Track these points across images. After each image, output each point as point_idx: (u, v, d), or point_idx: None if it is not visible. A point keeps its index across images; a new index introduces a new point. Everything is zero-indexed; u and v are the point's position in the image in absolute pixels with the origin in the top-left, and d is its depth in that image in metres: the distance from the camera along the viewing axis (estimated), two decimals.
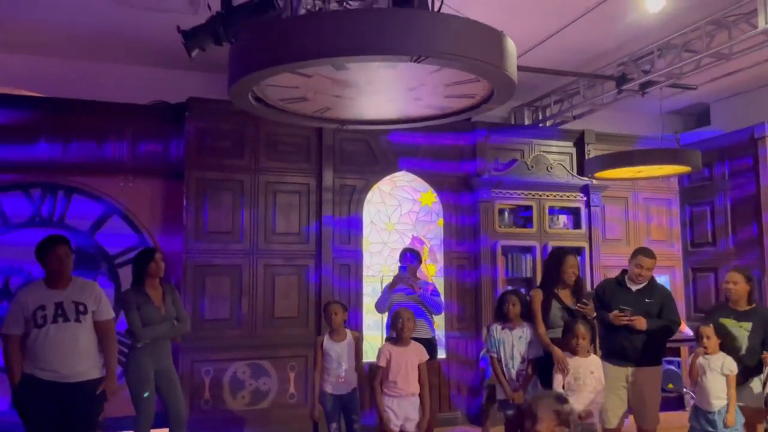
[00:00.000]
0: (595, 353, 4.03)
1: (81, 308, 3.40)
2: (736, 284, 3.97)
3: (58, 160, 5.15)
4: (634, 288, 4.08)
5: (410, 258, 5.07)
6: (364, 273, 5.70)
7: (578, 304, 4.02)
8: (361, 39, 2.38)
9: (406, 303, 4.78)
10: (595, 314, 3.94)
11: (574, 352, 3.81)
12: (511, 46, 2.63)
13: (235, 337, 5.23)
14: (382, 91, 3.03)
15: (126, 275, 4.61)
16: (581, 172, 6.25)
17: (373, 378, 3.86)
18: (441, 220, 6.02)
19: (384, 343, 4.21)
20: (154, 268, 4.02)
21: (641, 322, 3.90)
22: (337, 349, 4.03)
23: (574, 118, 6.53)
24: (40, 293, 3.37)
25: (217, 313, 5.22)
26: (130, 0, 4.42)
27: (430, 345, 4.82)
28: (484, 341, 4.98)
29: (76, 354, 3.36)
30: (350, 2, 3.25)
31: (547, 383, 3.88)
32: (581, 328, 3.79)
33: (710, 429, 3.73)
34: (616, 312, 3.94)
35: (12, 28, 4.95)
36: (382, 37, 2.37)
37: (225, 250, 5.28)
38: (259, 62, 2.55)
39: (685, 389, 5.98)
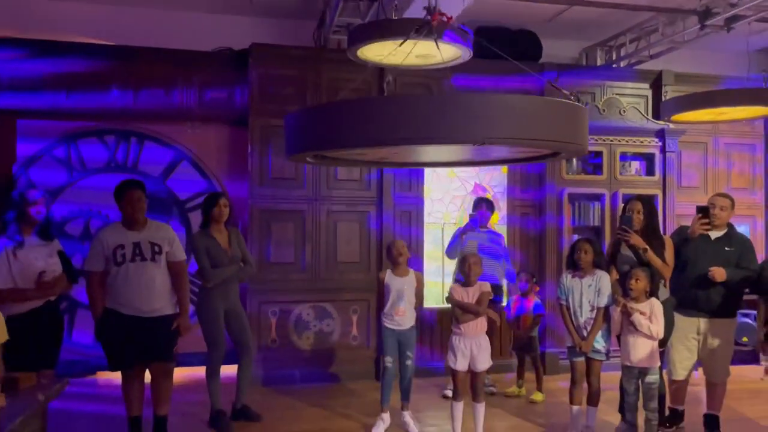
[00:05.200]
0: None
1: (156, 249, 3.57)
2: None
3: (130, 108, 5.30)
4: (712, 236, 3.90)
5: (487, 207, 5.05)
6: (425, 220, 5.69)
7: (617, 230, 3.89)
8: (421, 128, 2.37)
9: (485, 245, 4.91)
10: (646, 248, 3.77)
11: (627, 295, 3.71)
12: (581, 115, 2.54)
13: (299, 281, 5.37)
14: (442, 148, 3.06)
15: (196, 219, 4.78)
16: (657, 116, 5.91)
17: (458, 306, 3.84)
18: (505, 168, 5.88)
19: (452, 285, 4.22)
20: (217, 213, 4.12)
21: (720, 273, 3.73)
22: (399, 284, 4.10)
23: (651, 57, 6.13)
24: (119, 233, 3.55)
25: (282, 257, 5.35)
26: None
27: (499, 291, 5.02)
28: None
29: (153, 291, 3.54)
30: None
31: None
32: (635, 271, 3.68)
33: None
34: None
35: None
36: (444, 126, 2.36)
37: (289, 196, 5.37)
38: (316, 144, 2.71)
39: None
